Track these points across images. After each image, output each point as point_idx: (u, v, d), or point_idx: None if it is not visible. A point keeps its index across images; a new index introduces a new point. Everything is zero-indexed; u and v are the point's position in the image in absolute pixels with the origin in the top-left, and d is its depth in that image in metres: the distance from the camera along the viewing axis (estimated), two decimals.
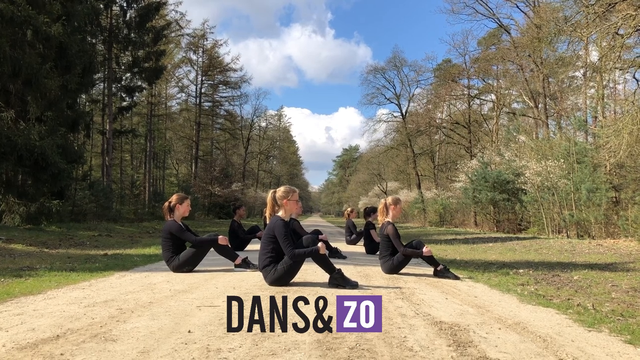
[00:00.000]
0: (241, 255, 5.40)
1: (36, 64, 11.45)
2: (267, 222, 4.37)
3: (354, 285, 4.10)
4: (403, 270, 5.31)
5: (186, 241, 5.14)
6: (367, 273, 5.22)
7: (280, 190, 4.37)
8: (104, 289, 3.82)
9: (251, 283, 4.28)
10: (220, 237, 5.09)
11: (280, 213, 4.30)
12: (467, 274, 5.46)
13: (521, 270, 6.14)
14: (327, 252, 4.49)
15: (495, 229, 22.90)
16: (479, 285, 4.66)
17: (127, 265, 5.71)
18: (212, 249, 5.15)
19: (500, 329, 2.73)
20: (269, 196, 4.40)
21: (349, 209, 11.16)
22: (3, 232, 9.71)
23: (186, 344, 2.25)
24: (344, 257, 6.96)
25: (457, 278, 4.97)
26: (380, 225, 5.48)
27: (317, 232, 6.91)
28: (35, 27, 11.50)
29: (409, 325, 2.72)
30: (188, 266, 5.01)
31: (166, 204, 5.21)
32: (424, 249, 5.05)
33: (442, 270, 5.10)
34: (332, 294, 3.74)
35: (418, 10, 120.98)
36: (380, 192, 45.33)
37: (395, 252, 5.29)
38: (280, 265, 4.12)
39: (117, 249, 8.57)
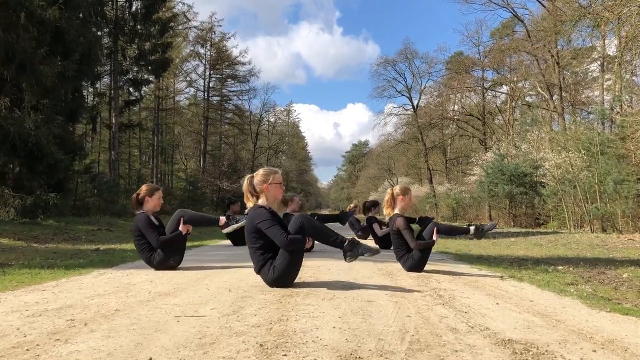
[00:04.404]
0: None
1: (30, 48, 10.80)
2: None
3: (374, 251, 3.23)
4: (429, 268, 4.52)
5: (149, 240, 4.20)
6: (390, 271, 4.44)
7: (259, 174, 3.48)
8: (68, 291, 3.08)
9: (251, 284, 3.51)
10: (187, 226, 4.20)
11: (261, 202, 3.46)
12: (504, 272, 4.68)
13: (560, 267, 5.39)
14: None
15: (512, 223, 22.04)
16: (525, 285, 3.87)
17: (114, 261, 5.00)
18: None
19: (595, 351, 1.94)
20: (245, 184, 3.49)
21: (351, 205, 10.56)
22: None
23: None
24: None
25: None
26: (388, 220, 4.62)
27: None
28: (30, 10, 10.86)
29: (469, 347, 1.92)
30: (174, 256, 4.21)
31: (134, 195, 4.39)
32: (434, 237, 4.27)
33: (477, 229, 4.50)
34: (353, 298, 2.97)
35: (426, 6, 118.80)
36: (391, 187, 44.40)
37: None
38: (278, 259, 3.26)
39: (112, 244, 7.92)
